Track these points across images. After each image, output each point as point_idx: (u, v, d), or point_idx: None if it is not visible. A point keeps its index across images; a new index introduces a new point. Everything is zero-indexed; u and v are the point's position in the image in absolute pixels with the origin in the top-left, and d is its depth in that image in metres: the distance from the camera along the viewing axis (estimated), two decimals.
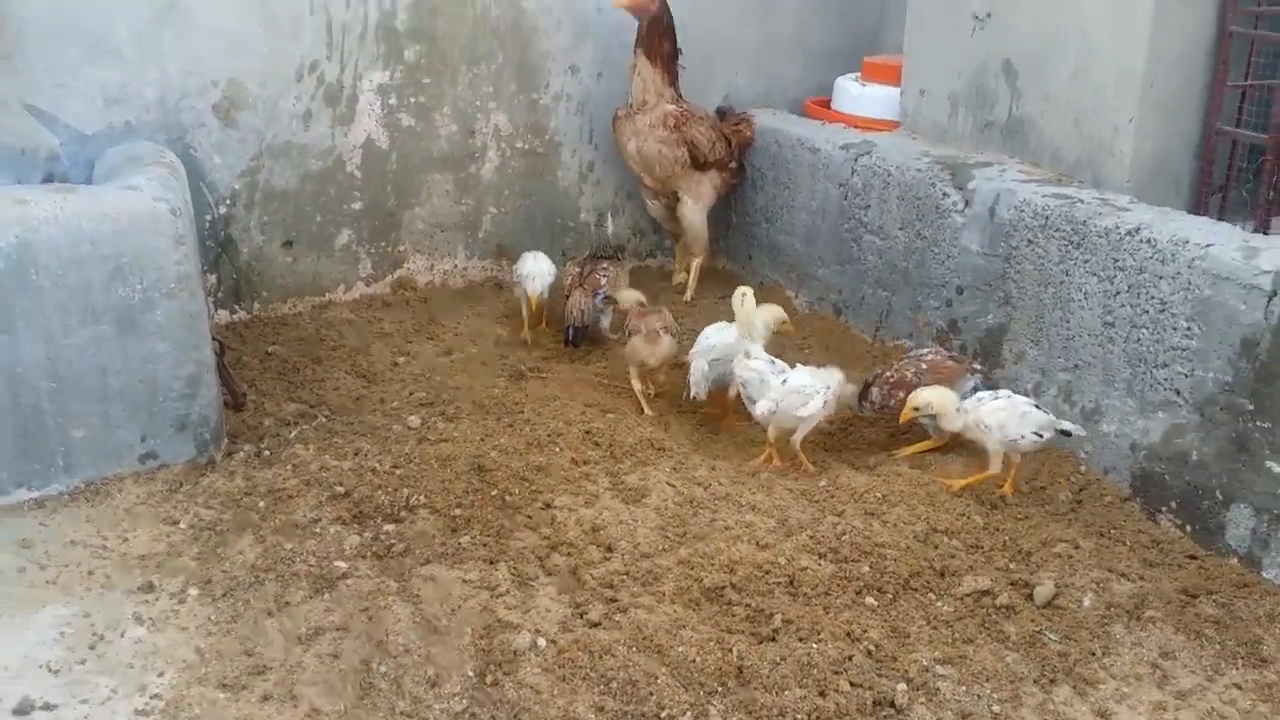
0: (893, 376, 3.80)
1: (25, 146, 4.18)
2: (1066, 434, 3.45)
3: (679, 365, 4.14)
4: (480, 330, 4.71)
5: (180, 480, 3.50)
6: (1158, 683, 2.75)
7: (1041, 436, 3.41)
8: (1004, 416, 3.41)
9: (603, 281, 4.55)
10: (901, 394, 3.69)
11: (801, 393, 3.57)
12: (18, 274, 3.26)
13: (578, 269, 4.69)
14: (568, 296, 4.56)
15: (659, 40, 4.90)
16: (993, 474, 3.48)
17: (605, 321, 4.60)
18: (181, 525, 3.28)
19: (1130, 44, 3.85)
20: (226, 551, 3.16)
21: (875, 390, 3.81)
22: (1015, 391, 3.60)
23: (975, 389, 3.76)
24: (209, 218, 4.60)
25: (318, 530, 3.24)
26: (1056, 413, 3.61)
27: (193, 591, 2.99)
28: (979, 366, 3.96)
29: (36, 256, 3.28)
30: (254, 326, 4.65)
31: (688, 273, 5.25)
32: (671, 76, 4.98)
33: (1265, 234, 3.74)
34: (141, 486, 3.47)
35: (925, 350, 4.01)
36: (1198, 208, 4.01)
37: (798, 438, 3.62)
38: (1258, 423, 3.11)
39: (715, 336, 3.98)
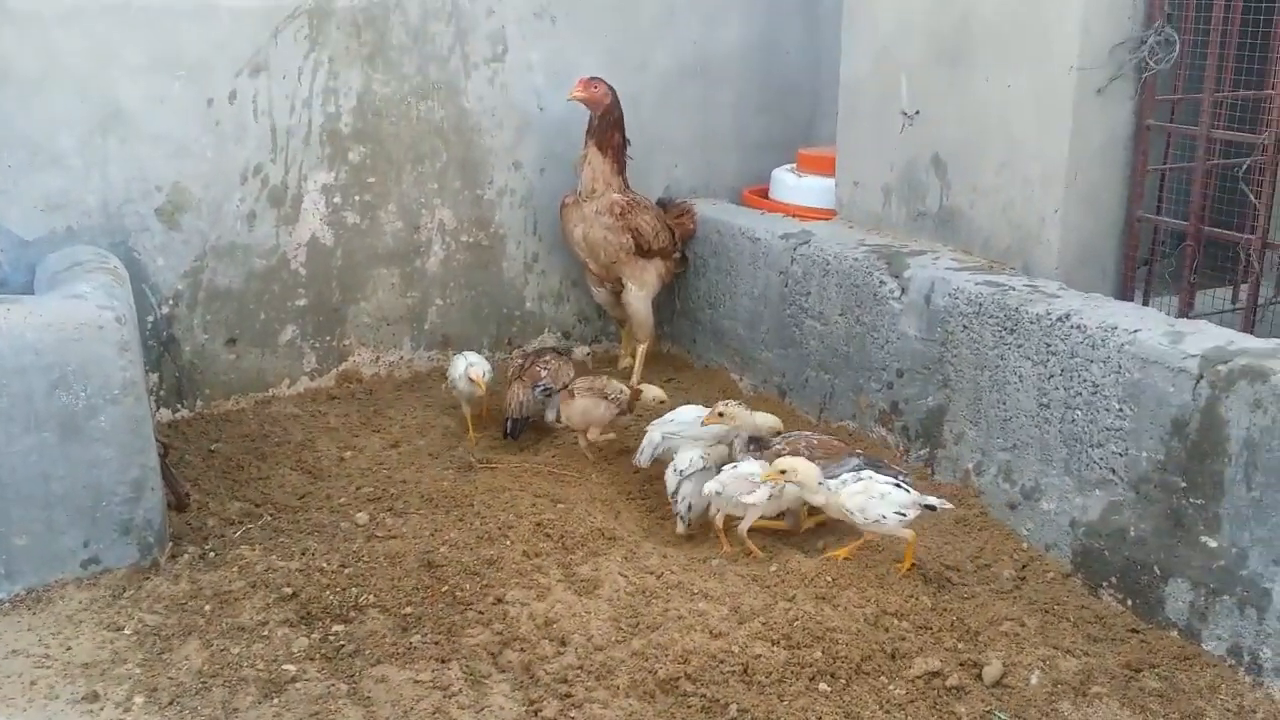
0: (784, 449, 3.86)
1: None
2: (932, 509, 3.48)
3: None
4: (428, 422, 4.71)
5: (124, 585, 3.45)
6: None
7: (905, 515, 3.44)
8: (863, 500, 3.45)
9: (543, 374, 4.54)
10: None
11: (748, 480, 3.62)
12: None
13: (519, 361, 4.72)
14: (508, 388, 4.59)
15: (610, 132, 5.02)
16: (868, 539, 3.58)
17: (550, 413, 4.60)
18: (126, 631, 3.23)
19: (1053, 139, 4.01)
20: (172, 657, 3.11)
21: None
22: (956, 471, 3.66)
23: (858, 469, 3.69)
24: (151, 318, 4.59)
25: (265, 633, 3.20)
26: (997, 492, 3.68)
27: (138, 700, 2.94)
28: (860, 451, 3.96)
29: None
30: (196, 424, 4.62)
31: (633, 358, 5.32)
32: (620, 166, 5.10)
33: (1189, 315, 3.89)
34: (85, 592, 3.41)
35: (809, 432, 4.11)
36: (1124, 291, 4.16)
37: (744, 525, 3.65)
38: (1191, 499, 3.20)
39: (680, 414, 4.07)
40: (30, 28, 4.13)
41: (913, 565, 3.52)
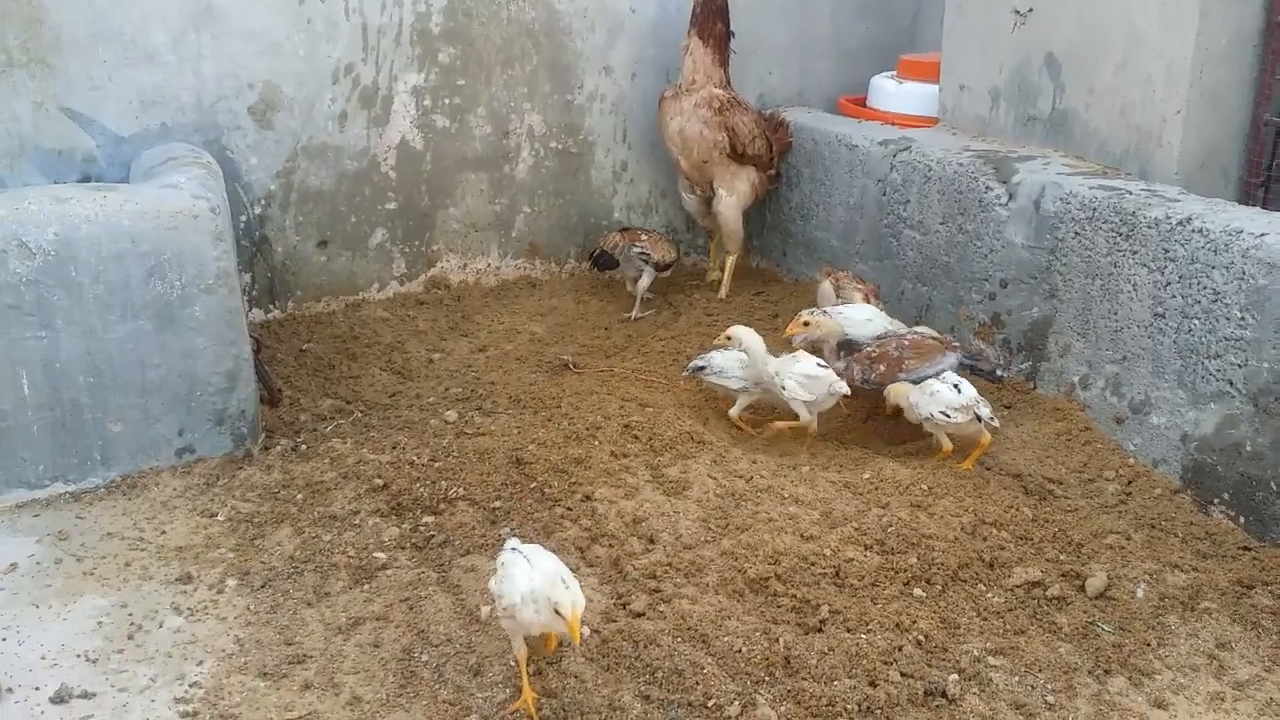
0: (874, 351, 3.77)
1: (62, 149, 4.20)
2: (979, 419, 3.52)
3: None
4: (514, 327, 4.68)
5: (217, 474, 3.49)
6: (1215, 673, 2.68)
7: (950, 417, 3.51)
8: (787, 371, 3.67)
9: (643, 237, 4.91)
10: (882, 367, 3.72)
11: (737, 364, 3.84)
12: (57, 270, 3.28)
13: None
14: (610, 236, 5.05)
15: (713, 20, 4.88)
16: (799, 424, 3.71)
17: (644, 281, 4.86)
18: (219, 518, 3.27)
19: (1178, 35, 3.78)
20: (264, 543, 3.14)
21: (856, 367, 3.78)
22: (1060, 384, 3.53)
23: (959, 363, 3.78)
24: (244, 218, 4.60)
25: (356, 522, 3.21)
26: (1104, 405, 3.55)
27: (231, 582, 2.97)
28: (957, 344, 3.94)
29: (76, 253, 3.29)
30: (288, 325, 4.65)
31: (723, 270, 5.21)
32: (723, 58, 4.95)
33: None
34: (179, 480, 3.46)
35: (906, 330, 4.01)
36: (1246, 198, 3.93)
37: (736, 410, 3.85)
38: None
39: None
40: None
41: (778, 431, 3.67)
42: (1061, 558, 3.07)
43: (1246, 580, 2.99)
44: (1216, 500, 3.31)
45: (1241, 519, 3.24)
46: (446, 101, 4.90)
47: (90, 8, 4.11)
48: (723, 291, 5.15)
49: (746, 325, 3.91)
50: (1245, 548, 3.15)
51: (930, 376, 3.70)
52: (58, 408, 3.36)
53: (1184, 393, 3.42)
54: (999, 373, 3.89)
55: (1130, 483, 3.47)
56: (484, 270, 5.19)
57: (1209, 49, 3.76)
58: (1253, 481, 3.20)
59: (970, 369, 3.81)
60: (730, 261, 5.17)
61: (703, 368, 3.88)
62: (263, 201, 4.65)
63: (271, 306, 4.75)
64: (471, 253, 5.16)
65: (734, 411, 3.87)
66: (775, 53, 5.52)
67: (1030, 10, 4.34)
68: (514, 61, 5.00)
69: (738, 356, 3.82)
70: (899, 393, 3.66)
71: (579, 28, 5.08)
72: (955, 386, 3.54)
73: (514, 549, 2.57)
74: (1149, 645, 2.76)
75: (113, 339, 3.37)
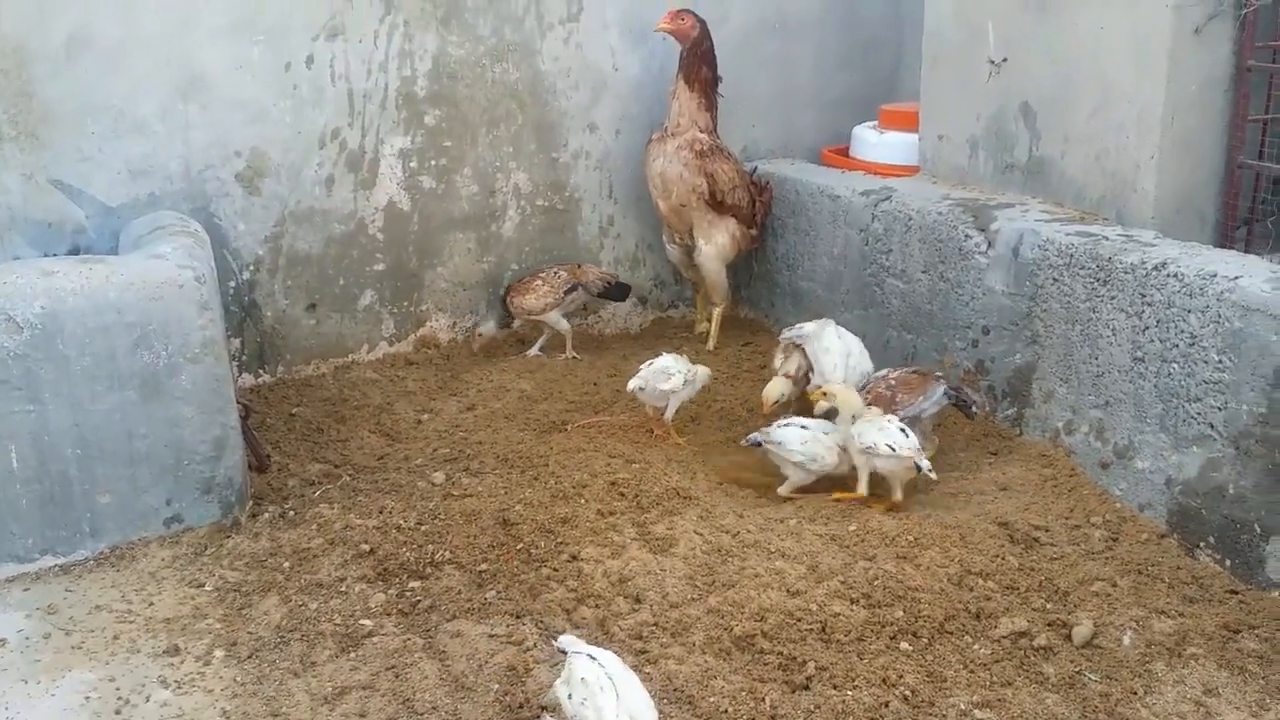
0: (868, 397, 3.82)
1: (52, 220, 4.26)
2: (919, 469, 3.57)
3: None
4: (503, 385, 4.70)
5: (205, 543, 3.50)
6: None
7: (895, 450, 3.55)
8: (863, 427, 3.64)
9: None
10: (879, 410, 3.74)
11: (665, 371, 4.04)
12: (44, 344, 3.31)
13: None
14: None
15: (698, 65, 4.94)
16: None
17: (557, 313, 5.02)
18: (207, 587, 3.27)
19: (1149, 83, 3.84)
20: (252, 613, 3.14)
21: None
22: (1045, 430, 3.57)
23: (945, 395, 3.85)
24: (233, 283, 4.64)
25: (343, 589, 3.21)
26: (1089, 451, 3.58)
27: (218, 653, 2.97)
28: (940, 374, 4.00)
29: (63, 326, 3.32)
30: (278, 389, 4.67)
31: (709, 322, 5.24)
32: (708, 103, 5.01)
33: None
34: (167, 550, 3.47)
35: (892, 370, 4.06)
36: (1223, 241, 3.97)
37: (668, 413, 4.08)
38: None
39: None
40: None
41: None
42: (1048, 606, 3.07)
43: (1233, 625, 2.98)
44: (1202, 544, 3.31)
45: (1228, 562, 3.24)
46: (433, 163, 4.96)
47: (79, 80, 4.17)
48: (711, 343, 5.18)
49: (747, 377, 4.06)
50: (1232, 591, 3.15)
51: (926, 410, 3.80)
52: (46, 480, 3.37)
53: (1166, 436, 3.43)
54: (974, 410, 3.92)
55: (1117, 528, 3.47)
56: (473, 328, 5.23)
57: (1180, 95, 3.81)
58: (1237, 524, 3.21)
59: (954, 400, 3.86)
60: (717, 313, 5.20)
61: (759, 443, 3.80)
62: (251, 267, 4.69)
63: (261, 371, 4.78)
64: (460, 311, 5.19)
65: (668, 415, 4.09)
66: (758, 105, 5.59)
67: (1004, 60, 4.40)
68: (499, 122, 5.06)
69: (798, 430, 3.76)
70: (847, 401, 3.72)
71: (563, 87, 5.15)
72: (903, 430, 3.58)
73: (592, 659, 2.44)
74: (1135, 694, 2.75)
75: (100, 410, 3.40)
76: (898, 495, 3.61)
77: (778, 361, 4.28)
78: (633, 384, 4.07)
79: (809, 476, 3.74)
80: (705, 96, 4.99)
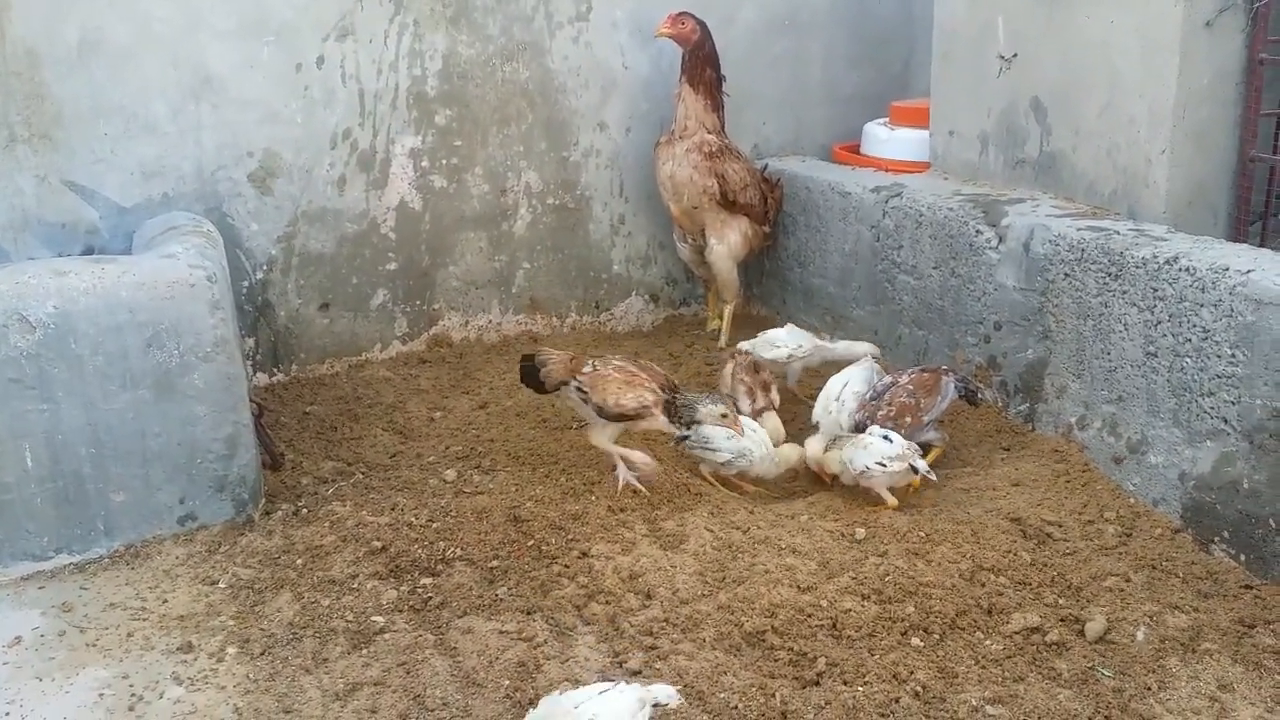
0: (892, 410, 3.77)
1: (66, 221, 4.28)
2: (915, 471, 3.57)
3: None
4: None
5: (219, 540, 3.51)
6: (1217, 716, 2.65)
7: (886, 466, 3.55)
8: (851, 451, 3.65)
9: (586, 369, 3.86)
10: (909, 419, 3.74)
11: (772, 342, 4.24)
12: (57, 343, 3.32)
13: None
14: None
15: (701, 67, 4.94)
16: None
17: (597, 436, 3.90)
18: (220, 585, 3.29)
19: (1159, 76, 3.82)
20: (264, 610, 3.15)
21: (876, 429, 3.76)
22: (1058, 425, 3.57)
23: (955, 388, 3.86)
24: (246, 283, 4.66)
25: (355, 586, 3.22)
26: (1101, 446, 3.57)
27: (231, 650, 2.98)
28: (946, 367, 4.00)
29: (75, 325, 3.33)
30: (292, 388, 4.69)
31: (721, 319, 5.24)
32: (714, 103, 5.00)
33: None
34: (181, 547, 3.48)
35: (852, 371, 4.04)
36: (1237, 235, 3.94)
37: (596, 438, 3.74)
38: None
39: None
40: None
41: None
42: (1060, 602, 3.06)
43: (1248, 620, 2.97)
44: (1217, 539, 3.29)
45: (1242, 557, 3.22)
46: (444, 162, 4.98)
47: (91, 82, 4.20)
48: (723, 340, 5.17)
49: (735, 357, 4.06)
50: (1246, 586, 3.13)
51: (944, 409, 3.81)
52: (60, 479, 3.39)
53: (1180, 431, 3.41)
54: (980, 397, 3.93)
55: (1130, 523, 3.46)
56: (485, 327, 5.24)
57: (1191, 88, 3.79)
58: (1252, 519, 3.19)
59: (963, 391, 3.88)
60: (728, 310, 5.20)
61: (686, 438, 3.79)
62: (265, 267, 4.71)
63: (275, 370, 4.80)
64: (472, 309, 5.21)
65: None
66: (769, 103, 5.59)
67: (1015, 55, 4.39)
68: (509, 121, 5.07)
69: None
70: (831, 459, 3.70)
71: (573, 86, 5.16)
72: (885, 437, 3.57)
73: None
74: (1150, 689, 2.74)
75: (113, 409, 3.42)
76: (892, 501, 3.60)
77: (757, 402, 4.10)
78: (744, 344, 4.21)
79: (732, 470, 3.78)
80: (710, 97, 4.99)
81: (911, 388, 3.81)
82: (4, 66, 4.06)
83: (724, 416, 3.61)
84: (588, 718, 2.29)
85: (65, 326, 3.32)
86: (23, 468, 3.34)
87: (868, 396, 3.87)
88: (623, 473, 3.67)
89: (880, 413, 3.76)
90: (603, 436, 3.71)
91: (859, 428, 3.76)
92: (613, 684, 2.40)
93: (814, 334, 4.42)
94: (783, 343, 4.30)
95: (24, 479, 3.35)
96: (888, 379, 3.94)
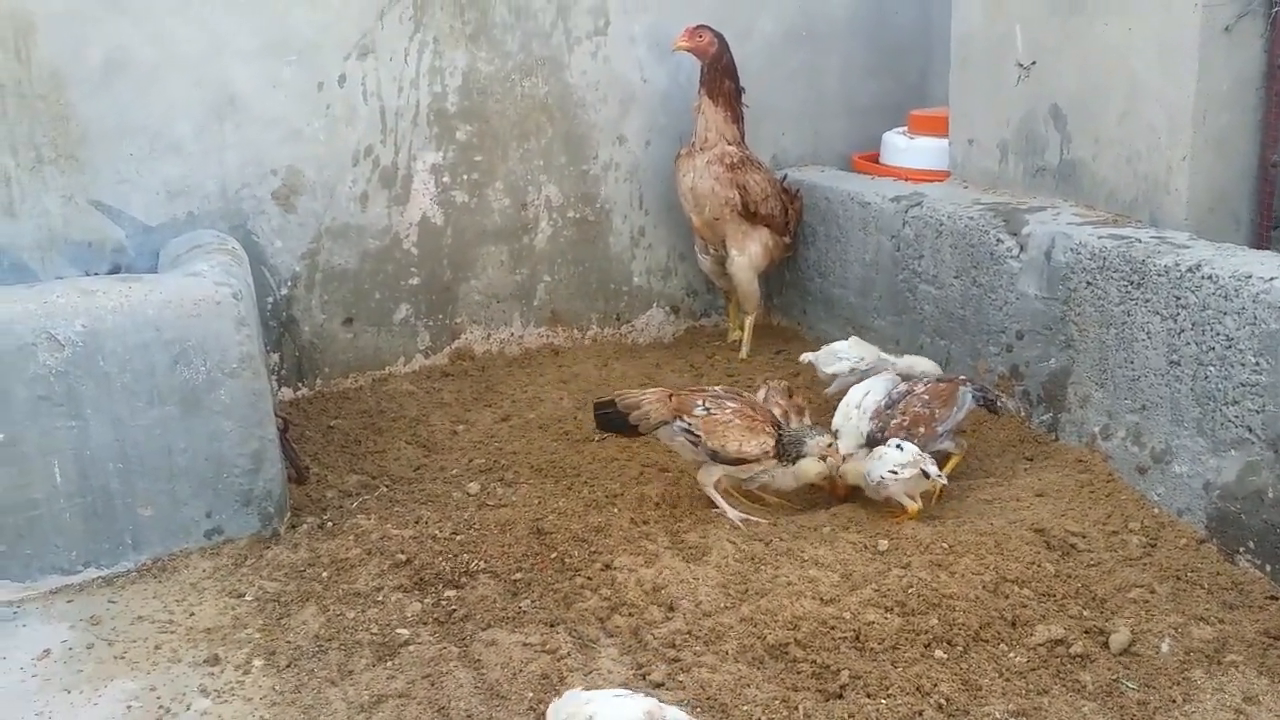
0: (905, 419, 3.75)
1: (91, 240, 4.33)
2: (926, 475, 3.55)
3: None
4: (538, 396, 4.73)
5: (245, 554, 3.55)
6: None
7: (899, 474, 3.53)
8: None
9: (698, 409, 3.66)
10: (922, 429, 3.72)
11: (834, 354, 4.21)
12: (85, 361, 3.36)
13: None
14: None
15: (720, 79, 4.95)
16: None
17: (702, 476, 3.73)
18: (246, 598, 3.32)
19: (1178, 83, 3.81)
20: (290, 622, 3.18)
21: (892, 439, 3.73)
22: (1081, 435, 3.56)
23: (974, 398, 3.84)
24: (271, 299, 4.71)
25: (380, 598, 3.25)
26: (1125, 455, 3.57)
27: (257, 663, 3.01)
28: (963, 377, 3.99)
29: (103, 344, 3.38)
30: (316, 402, 4.73)
31: (742, 330, 5.25)
32: (735, 115, 5.02)
33: None
34: (207, 561, 3.52)
35: (920, 387, 3.93)
36: (1259, 242, 3.93)
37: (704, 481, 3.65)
38: None
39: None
40: (144, 17, 4.26)
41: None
42: (1085, 614, 3.05)
43: (1274, 631, 2.94)
44: (1242, 549, 3.27)
45: (1268, 567, 3.20)
46: (465, 177, 5.01)
47: (115, 103, 4.26)
48: (744, 351, 5.18)
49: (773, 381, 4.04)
50: (1273, 597, 3.11)
51: (960, 420, 3.79)
52: (89, 494, 3.43)
53: (1204, 440, 3.40)
54: (1000, 405, 3.91)
55: (1155, 534, 3.44)
56: (508, 340, 5.26)
57: (1211, 94, 3.78)
58: (1277, 529, 3.17)
59: (981, 400, 3.85)
60: (749, 321, 5.21)
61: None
62: (289, 283, 4.75)
63: (300, 385, 4.84)
64: (494, 323, 5.23)
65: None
66: (787, 115, 5.60)
67: (1033, 63, 4.39)
68: (529, 135, 5.10)
69: None
70: (851, 472, 3.67)
71: (592, 100, 5.19)
72: (898, 445, 3.57)
73: None
74: (1174, 701, 2.72)
75: (140, 426, 3.46)
76: (914, 505, 3.58)
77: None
78: (806, 356, 4.28)
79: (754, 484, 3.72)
80: (730, 109, 5.01)
81: (927, 397, 3.80)
82: (30, 89, 4.12)
83: (829, 447, 3.63)
84: (588, 715, 2.32)
85: (93, 344, 3.37)
86: (52, 483, 3.39)
87: (883, 405, 3.85)
88: (732, 513, 3.61)
89: (894, 421, 3.75)
90: (711, 478, 3.62)
91: (873, 437, 3.75)
92: (630, 693, 2.42)
93: (878, 349, 4.34)
94: (845, 355, 4.25)
95: (53, 494, 3.39)
96: (903, 387, 3.92)
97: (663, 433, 3.62)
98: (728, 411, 3.58)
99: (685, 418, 3.56)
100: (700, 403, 3.59)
